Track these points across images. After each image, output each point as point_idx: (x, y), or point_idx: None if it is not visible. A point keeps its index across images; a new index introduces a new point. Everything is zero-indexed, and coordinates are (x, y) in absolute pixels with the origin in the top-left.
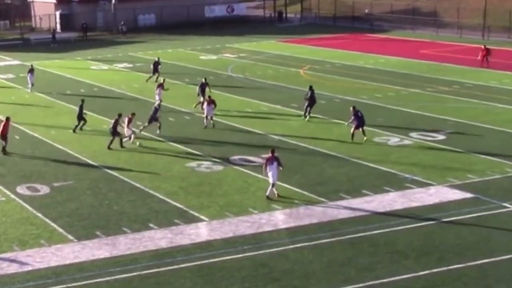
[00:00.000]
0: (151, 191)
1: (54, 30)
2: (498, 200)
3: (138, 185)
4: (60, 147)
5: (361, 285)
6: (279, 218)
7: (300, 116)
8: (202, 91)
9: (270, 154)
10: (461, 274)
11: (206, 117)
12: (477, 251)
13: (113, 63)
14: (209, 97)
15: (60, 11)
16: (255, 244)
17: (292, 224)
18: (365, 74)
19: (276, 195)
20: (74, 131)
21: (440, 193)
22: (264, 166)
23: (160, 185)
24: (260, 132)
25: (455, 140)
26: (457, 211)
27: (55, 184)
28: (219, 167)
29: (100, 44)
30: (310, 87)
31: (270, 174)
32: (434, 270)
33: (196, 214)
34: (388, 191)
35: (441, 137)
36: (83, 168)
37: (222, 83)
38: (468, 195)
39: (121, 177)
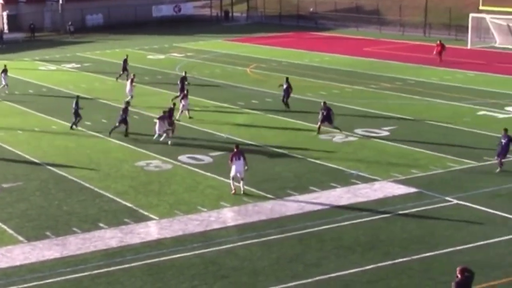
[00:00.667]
0: (100, 191)
1: (2, 31)
2: (441, 194)
3: (87, 185)
4: (9, 148)
5: (309, 280)
6: (228, 216)
7: (244, 113)
8: (182, 86)
9: (235, 150)
10: (406, 268)
11: (188, 110)
12: (422, 244)
13: (61, 63)
14: (187, 90)
15: (7, 11)
16: (204, 242)
17: (240, 221)
18: (311, 72)
19: (242, 191)
20: (71, 127)
21: (384, 188)
22: (229, 161)
23: (109, 184)
24: (208, 130)
25: (398, 136)
26: (402, 206)
27: (4, 185)
28: (168, 166)
29: (48, 45)
30: (287, 79)
31: (233, 168)
32: (380, 264)
33: (146, 213)
34: (334, 187)
35: (385, 133)
36: (32, 169)
37: (170, 82)
38: (412, 189)
39: (70, 177)
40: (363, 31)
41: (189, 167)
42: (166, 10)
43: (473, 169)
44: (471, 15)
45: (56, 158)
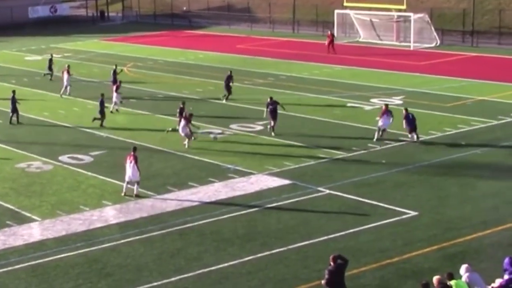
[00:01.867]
0: None
1: None
2: (314, 185)
3: None
4: None
5: (190, 274)
6: (110, 214)
7: (122, 112)
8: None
9: (132, 152)
10: (283, 257)
11: (120, 102)
12: (297, 234)
13: None
14: (120, 81)
15: None
16: (88, 241)
17: (122, 219)
18: (187, 69)
19: (134, 195)
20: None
21: (260, 181)
22: (125, 163)
23: None
24: (87, 130)
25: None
26: (277, 198)
27: None
28: (49, 167)
29: None
30: (230, 72)
31: (127, 172)
32: (258, 255)
33: (28, 215)
34: (212, 182)
35: (259, 127)
36: None
37: (48, 83)
38: (286, 181)
39: None
40: (235, 29)
41: (70, 167)
42: (42, 11)
43: (343, 159)
44: (336, 11)
45: None
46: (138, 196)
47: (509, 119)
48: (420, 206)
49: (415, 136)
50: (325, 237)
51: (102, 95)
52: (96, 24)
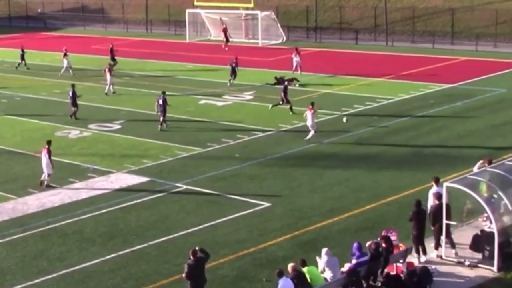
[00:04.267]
0: None
1: None
2: (171, 181)
3: None
4: None
5: (54, 275)
6: None
7: None
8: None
9: (46, 146)
10: (144, 254)
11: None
12: (157, 230)
13: None
14: (110, 64)
15: None
16: None
17: None
18: (43, 71)
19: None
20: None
21: (120, 180)
22: None
23: None
24: None
25: (129, 128)
26: (137, 195)
27: None
28: None
29: None
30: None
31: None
32: (120, 253)
33: None
34: (73, 182)
35: (116, 126)
36: None
37: None
38: (145, 179)
39: None
40: (90, 30)
41: None
42: None
43: (198, 155)
44: (187, 10)
45: None
46: (49, 186)
47: (352, 111)
48: (273, 197)
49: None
50: (184, 232)
51: None
52: None
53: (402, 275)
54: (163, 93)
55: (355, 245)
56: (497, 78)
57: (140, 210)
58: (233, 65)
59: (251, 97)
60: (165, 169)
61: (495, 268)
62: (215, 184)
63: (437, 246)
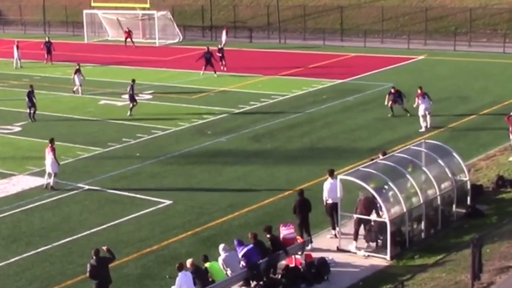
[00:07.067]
0: None
1: None
2: (73, 182)
3: None
4: None
5: None
6: None
7: None
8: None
9: (49, 144)
10: (48, 255)
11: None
12: (60, 231)
13: None
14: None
15: None
16: None
17: None
18: None
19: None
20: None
21: (22, 182)
22: None
23: None
24: None
25: (30, 130)
26: (39, 197)
27: None
28: None
29: None
30: (133, 80)
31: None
32: (24, 255)
33: None
34: None
35: (17, 128)
36: None
37: None
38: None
39: None
40: None
41: None
42: None
43: (100, 155)
44: (84, 11)
45: None
46: (53, 188)
47: (248, 107)
48: (175, 195)
49: None
50: (88, 232)
51: None
52: None
53: (300, 267)
54: (133, 81)
55: (235, 242)
56: (385, 72)
57: (43, 212)
58: (208, 56)
59: (150, 96)
60: (67, 169)
61: (388, 257)
62: (117, 184)
63: (356, 237)
